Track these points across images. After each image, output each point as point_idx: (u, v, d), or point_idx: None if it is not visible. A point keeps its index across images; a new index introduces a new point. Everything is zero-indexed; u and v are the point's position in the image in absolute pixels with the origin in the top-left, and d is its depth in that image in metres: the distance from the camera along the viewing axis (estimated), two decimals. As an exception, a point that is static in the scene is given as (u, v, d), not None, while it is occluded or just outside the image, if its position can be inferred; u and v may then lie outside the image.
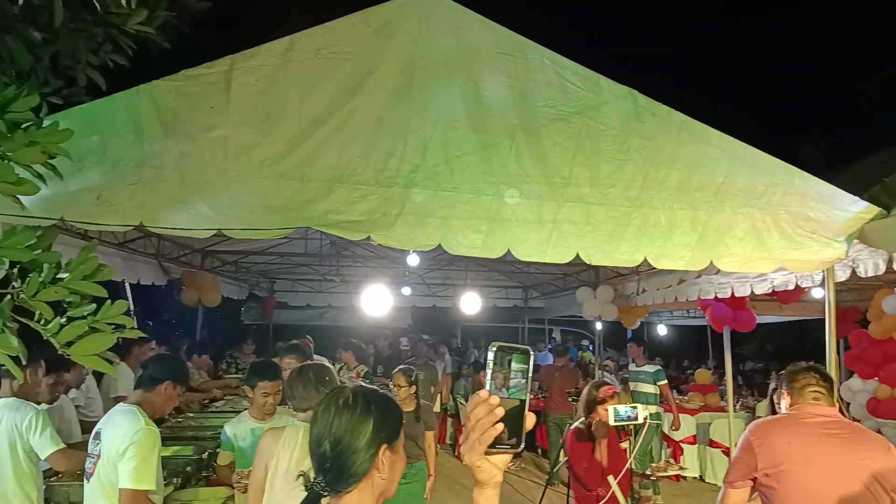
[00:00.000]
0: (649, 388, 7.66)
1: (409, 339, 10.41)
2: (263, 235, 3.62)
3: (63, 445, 3.57)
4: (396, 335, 11.87)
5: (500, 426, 1.06)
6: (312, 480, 1.49)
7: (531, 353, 1.11)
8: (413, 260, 8.00)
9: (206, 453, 4.46)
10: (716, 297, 6.07)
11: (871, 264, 4.02)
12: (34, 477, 3.53)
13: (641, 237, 3.86)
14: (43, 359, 3.80)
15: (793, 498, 2.54)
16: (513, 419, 1.08)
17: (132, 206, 3.50)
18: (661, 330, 16.71)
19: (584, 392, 4.04)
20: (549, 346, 15.45)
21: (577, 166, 3.88)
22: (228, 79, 3.75)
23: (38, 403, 3.76)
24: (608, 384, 4.05)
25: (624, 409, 3.32)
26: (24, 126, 1.73)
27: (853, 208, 3.94)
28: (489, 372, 1.10)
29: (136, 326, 2.21)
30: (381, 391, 1.67)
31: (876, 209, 3.92)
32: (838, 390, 9.58)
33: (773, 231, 3.90)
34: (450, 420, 10.65)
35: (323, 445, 1.49)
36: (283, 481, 2.80)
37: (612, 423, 3.28)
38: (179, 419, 5.77)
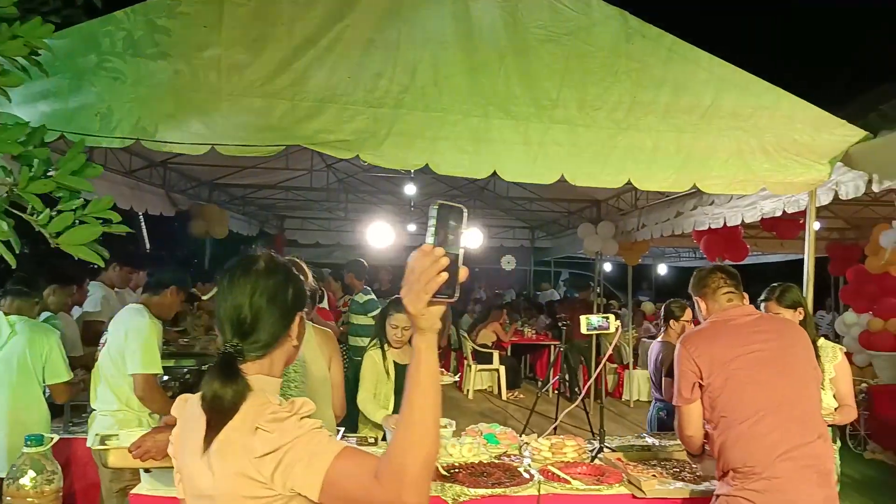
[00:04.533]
0: (362, 320, 6.83)
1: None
2: (255, 152, 3.72)
3: (69, 377, 3.57)
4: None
5: (444, 275, 1.15)
6: (226, 343, 1.40)
7: (464, 211, 1.20)
8: (410, 189, 8.09)
9: (207, 367, 4.68)
10: (709, 227, 6.13)
11: (851, 186, 4.05)
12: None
13: (626, 160, 3.91)
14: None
15: (743, 401, 2.47)
16: (450, 272, 1.17)
17: (129, 123, 3.61)
18: (662, 269, 17.14)
19: (663, 308, 4.64)
20: (564, 280, 16.46)
21: (565, 88, 3.91)
22: (221, -1, 3.78)
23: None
24: (684, 302, 4.43)
25: (596, 319, 3.45)
26: (7, 20, 1.82)
27: (839, 131, 3.95)
28: (431, 228, 1.18)
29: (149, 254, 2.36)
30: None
31: (862, 132, 3.93)
32: (832, 324, 9.73)
33: (757, 153, 3.93)
34: (453, 354, 11.00)
35: (243, 310, 1.40)
36: None
37: (584, 331, 3.42)
38: (185, 340, 6.03)
